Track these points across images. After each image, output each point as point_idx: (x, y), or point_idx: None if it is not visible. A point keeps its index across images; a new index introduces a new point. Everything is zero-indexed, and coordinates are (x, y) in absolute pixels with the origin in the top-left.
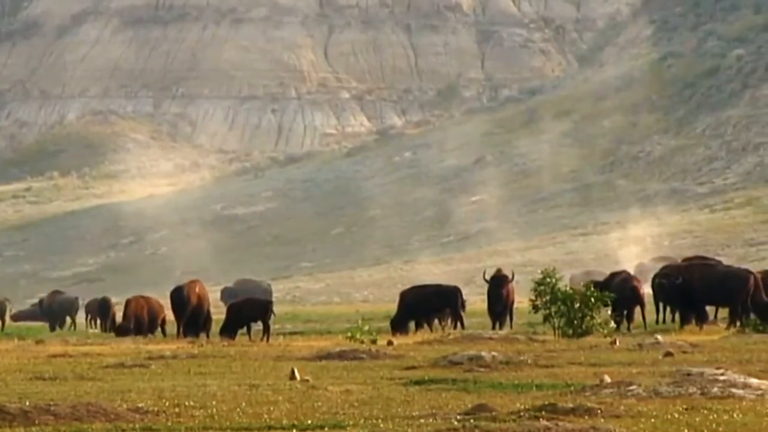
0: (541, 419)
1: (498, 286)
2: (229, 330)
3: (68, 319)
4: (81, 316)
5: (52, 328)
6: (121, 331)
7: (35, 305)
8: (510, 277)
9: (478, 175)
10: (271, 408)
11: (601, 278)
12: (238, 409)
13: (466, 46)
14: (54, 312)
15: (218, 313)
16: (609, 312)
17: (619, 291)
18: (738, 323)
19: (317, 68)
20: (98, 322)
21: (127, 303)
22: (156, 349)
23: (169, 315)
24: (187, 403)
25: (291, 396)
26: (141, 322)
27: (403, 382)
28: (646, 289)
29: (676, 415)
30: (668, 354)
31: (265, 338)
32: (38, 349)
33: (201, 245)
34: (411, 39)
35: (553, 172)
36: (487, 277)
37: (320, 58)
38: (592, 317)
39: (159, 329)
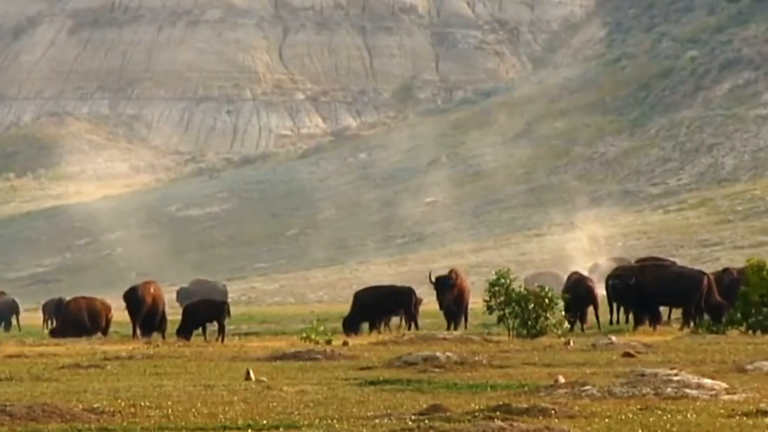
0: (495, 419)
1: (439, 288)
2: (185, 331)
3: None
4: (25, 317)
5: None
6: (51, 333)
7: None
8: (454, 278)
9: (432, 176)
10: (227, 408)
11: (552, 279)
12: (194, 410)
13: (420, 47)
14: None
15: (174, 313)
16: (563, 312)
17: (573, 291)
18: (691, 324)
19: (272, 70)
20: (54, 322)
21: (66, 305)
22: (112, 349)
23: (123, 315)
24: (142, 404)
25: (246, 396)
26: (80, 323)
27: (358, 382)
28: (600, 290)
29: (631, 416)
30: (627, 354)
31: (220, 339)
32: None
33: (156, 246)
34: (366, 41)
35: (506, 173)
36: (434, 278)
37: (275, 60)
38: (547, 318)
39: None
